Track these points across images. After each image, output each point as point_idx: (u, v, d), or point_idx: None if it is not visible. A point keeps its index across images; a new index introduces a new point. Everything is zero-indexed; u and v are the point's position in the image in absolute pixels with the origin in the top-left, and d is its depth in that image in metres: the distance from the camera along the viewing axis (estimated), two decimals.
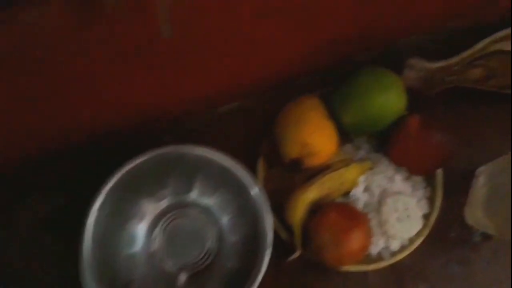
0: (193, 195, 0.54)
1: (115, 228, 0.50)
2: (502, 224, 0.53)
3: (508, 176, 0.52)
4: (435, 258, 0.56)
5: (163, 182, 0.53)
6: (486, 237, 0.57)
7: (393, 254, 0.54)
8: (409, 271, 0.56)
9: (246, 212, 0.50)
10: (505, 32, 0.60)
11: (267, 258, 0.47)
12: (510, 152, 0.53)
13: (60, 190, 0.56)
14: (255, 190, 0.50)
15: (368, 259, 0.54)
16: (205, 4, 0.40)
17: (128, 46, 0.42)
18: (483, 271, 0.56)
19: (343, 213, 0.51)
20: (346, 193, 0.56)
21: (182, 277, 0.52)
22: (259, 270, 0.46)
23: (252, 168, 0.55)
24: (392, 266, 0.54)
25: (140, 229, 0.53)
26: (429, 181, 0.56)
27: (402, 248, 0.54)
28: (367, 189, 0.55)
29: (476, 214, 0.56)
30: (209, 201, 0.54)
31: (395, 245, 0.54)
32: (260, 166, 0.56)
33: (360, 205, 0.55)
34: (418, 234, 0.54)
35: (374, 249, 0.54)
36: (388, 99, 0.52)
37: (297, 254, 0.52)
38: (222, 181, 0.52)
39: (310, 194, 0.53)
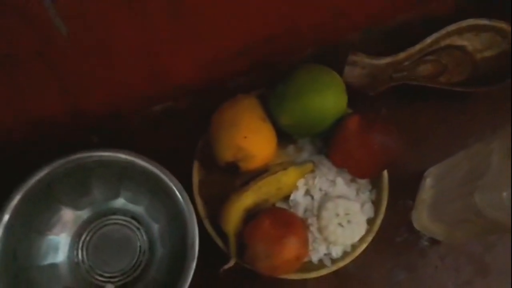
0: (121, 201, 0.51)
1: (31, 239, 0.47)
2: (446, 229, 0.51)
3: (453, 179, 0.49)
4: (381, 264, 0.54)
5: (85, 189, 0.50)
6: (434, 242, 0.55)
7: (335, 261, 0.51)
8: (353, 278, 0.54)
9: (176, 221, 0.48)
10: (456, 25, 0.57)
11: (191, 270, 0.44)
12: (458, 154, 0.50)
13: None
14: (183, 198, 0.47)
15: (309, 266, 0.51)
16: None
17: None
18: (430, 277, 0.54)
19: (277, 220, 0.48)
20: (287, 198, 0.53)
21: None
22: (182, 285, 0.43)
23: (188, 172, 0.53)
24: (335, 273, 0.51)
25: (63, 238, 0.50)
26: (376, 183, 0.54)
27: (345, 254, 0.52)
28: (308, 193, 0.53)
29: (422, 217, 0.53)
30: (138, 208, 0.51)
31: (337, 252, 0.52)
32: (195, 170, 0.53)
33: (300, 210, 0.52)
34: (361, 240, 0.52)
35: (315, 256, 0.52)
36: (325, 99, 0.49)
37: (231, 263, 0.50)
38: (150, 188, 0.49)
39: (245, 200, 0.50)
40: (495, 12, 0.58)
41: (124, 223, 0.52)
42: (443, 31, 0.56)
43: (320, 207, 0.51)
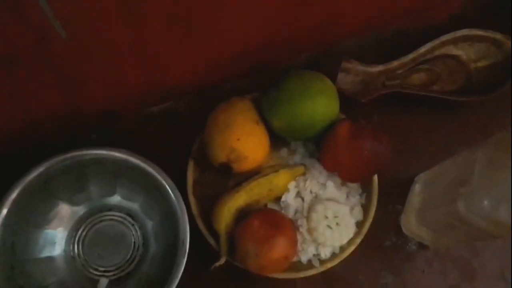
0: (117, 198, 0.53)
1: (29, 232, 0.48)
2: (433, 235, 0.52)
3: (439, 186, 0.50)
4: (368, 267, 0.55)
5: (82, 185, 0.51)
6: (421, 246, 0.56)
7: (324, 262, 0.53)
8: (340, 280, 0.55)
9: (169, 219, 0.49)
10: (452, 35, 0.58)
11: (182, 266, 0.45)
12: (446, 160, 0.51)
13: None
14: (176, 196, 0.48)
15: (298, 266, 0.53)
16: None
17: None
18: (417, 281, 0.55)
19: (266, 220, 0.49)
20: (278, 199, 0.54)
21: (103, 283, 0.50)
22: (172, 280, 0.45)
23: (183, 171, 0.54)
24: (323, 274, 0.53)
25: (60, 232, 0.51)
26: (366, 187, 0.55)
27: (333, 256, 0.53)
28: (298, 195, 0.54)
29: (410, 222, 0.54)
30: (133, 205, 0.53)
31: (325, 253, 0.53)
32: (190, 169, 0.55)
33: (291, 211, 0.54)
34: (349, 242, 0.53)
35: (304, 257, 0.53)
36: (316, 105, 0.50)
37: (222, 261, 0.51)
38: (145, 186, 0.50)
39: (237, 200, 0.51)
40: (490, 23, 0.59)
41: (120, 219, 0.53)
42: (437, 41, 0.57)
43: (310, 209, 0.53)
